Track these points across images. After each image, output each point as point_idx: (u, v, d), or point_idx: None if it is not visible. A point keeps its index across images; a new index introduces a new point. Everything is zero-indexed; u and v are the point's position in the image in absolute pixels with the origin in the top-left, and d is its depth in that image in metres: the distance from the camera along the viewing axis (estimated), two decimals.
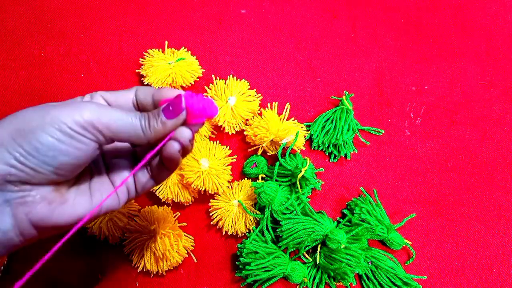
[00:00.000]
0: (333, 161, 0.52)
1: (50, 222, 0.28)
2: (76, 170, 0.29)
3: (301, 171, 0.45)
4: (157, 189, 0.48)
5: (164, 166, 0.33)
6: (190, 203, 0.49)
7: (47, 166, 0.27)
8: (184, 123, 0.31)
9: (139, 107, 0.33)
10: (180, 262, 0.47)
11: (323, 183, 0.51)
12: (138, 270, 0.46)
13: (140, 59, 0.54)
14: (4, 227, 0.27)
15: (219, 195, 0.49)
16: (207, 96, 0.30)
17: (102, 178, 0.33)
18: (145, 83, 0.52)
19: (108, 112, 0.28)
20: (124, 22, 0.58)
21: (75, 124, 0.27)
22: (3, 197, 0.27)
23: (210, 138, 0.52)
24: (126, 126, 0.29)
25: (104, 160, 0.34)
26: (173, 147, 0.31)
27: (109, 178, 0.34)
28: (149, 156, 0.30)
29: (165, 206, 0.49)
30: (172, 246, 0.45)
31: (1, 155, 0.25)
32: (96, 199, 0.32)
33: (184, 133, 0.31)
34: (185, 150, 0.32)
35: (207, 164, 0.47)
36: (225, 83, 0.51)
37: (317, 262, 0.46)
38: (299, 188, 0.47)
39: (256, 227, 0.47)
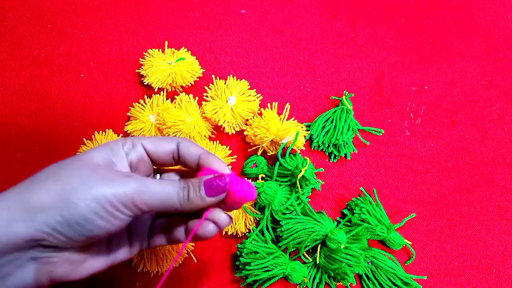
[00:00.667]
0: (333, 161, 0.52)
1: (67, 279, 0.29)
2: (106, 238, 0.31)
3: (301, 171, 0.45)
4: None
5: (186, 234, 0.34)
6: None
7: (82, 236, 0.27)
8: (222, 202, 0.31)
9: (179, 160, 0.33)
10: (180, 262, 0.47)
11: (323, 183, 0.51)
12: (138, 270, 0.46)
13: (140, 59, 0.54)
14: (25, 279, 0.28)
15: None
16: (249, 180, 0.31)
17: (122, 233, 0.34)
18: (145, 83, 0.52)
19: (150, 189, 0.28)
20: (124, 22, 0.58)
21: (118, 202, 0.27)
22: (31, 255, 0.27)
23: (210, 138, 0.52)
24: (163, 200, 0.29)
25: None
26: (210, 231, 0.32)
27: (128, 233, 0.34)
28: (196, 228, 0.31)
29: None
30: (172, 246, 0.45)
31: (40, 220, 0.26)
32: (111, 255, 0.33)
33: (224, 220, 0.32)
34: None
35: None
36: (225, 83, 0.51)
37: (317, 262, 0.46)
38: (299, 188, 0.47)
39: (256, 227, 0.47)
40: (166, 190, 0.29)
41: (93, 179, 0.27)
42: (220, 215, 0.32)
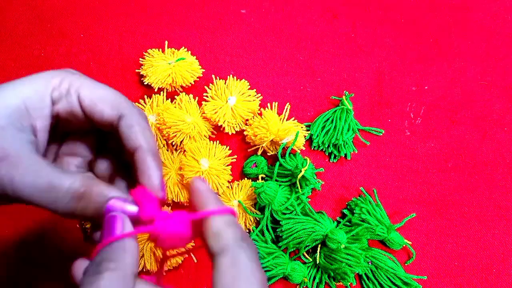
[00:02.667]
0: (333, 161, 0.52)
1: None
2: None
3: (301, 171, 0.45)
4: None
5: None
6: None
7: None
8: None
9: (117, 133, 0.27)
10: (180, 262, 0.47)
11: (323, 183, 0.51)
12: (138, 270, 0.46)
13: (140, 59, 0.54)
14: None
15: (219, 195, 0.49)
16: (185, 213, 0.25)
17: None
18: (145, 83, 0.51)
19: (15, 185, 0.23)
20: (124, 22, 0.58)
21: None
22: None
23: (210, 138, 0.52)
24: (40, 201, 0.23)
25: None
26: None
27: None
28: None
29: (165, 206, 0.49)
30: None
31: None
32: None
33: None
34: None
35: (207, 164, 0.47)
36: (225, 83, 0.51)
37: (317, 262, 0.46)
38: (299, 188, 0.47)
39: (256, 227, 0.47)
40: (42, 195, 0.23)
41: None
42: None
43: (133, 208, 0.24)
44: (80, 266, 0.24)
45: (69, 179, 0.23)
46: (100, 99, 0.27)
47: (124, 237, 0.22)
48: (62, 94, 0.26)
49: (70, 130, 0.28)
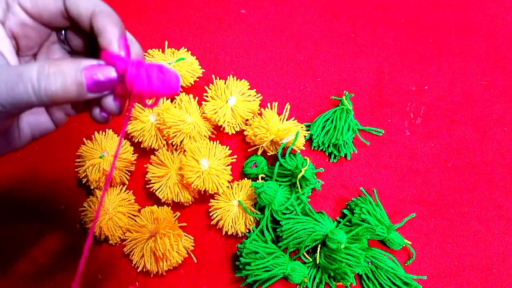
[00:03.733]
0: (333, 161, 0.52)
1: None
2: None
3: (301, 171, 0.45)
4: (157, 189, 0.48)
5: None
6: (190, 203, 0.49)
7: None
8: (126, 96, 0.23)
9: (69, 19, 0.26)
10: (180, 262, 0.47)
11: (323, 183, 0.51)
12: (138, 270, 0.46)
13: None
14: None
15: (219, 195, 0.49)
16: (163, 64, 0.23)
17: None
18: None
19: None
20: (124, 22, 0.58)
21: None
22: None
23: (210, 138, 0.52)
24: (16, 95, 0.21)
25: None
26: (99, 116, 0.25)
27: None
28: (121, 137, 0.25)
29: (165, 206, 0.49)
30: (172, 246, 0.45)
31: None
32: (24, 131, 0.27)
33: (111, 108, 0.24)
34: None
35: (207, 164, 0.47)
36: (225, 83, 0.51)
37: (317, 262, 0.46)
38: (299, 188, 0.47)
39: (256, 227, 0.47)
40: (16, 91, 0.21)
41: None
42: (106, 100, 0.24)
43: (111, 70, 0.22)
44: None
45: (35, 64, 0.22)
46: None
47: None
48: (4, 10, 0.25)
49: (34, 45, 0.27)
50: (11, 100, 0.21)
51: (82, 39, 0.28)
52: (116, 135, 0.52)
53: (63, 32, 0.28)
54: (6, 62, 0.23)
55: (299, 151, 0.50)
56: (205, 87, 0.52)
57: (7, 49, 0.25)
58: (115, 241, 0.48)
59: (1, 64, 0.22)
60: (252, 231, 0.48)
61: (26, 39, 0.26)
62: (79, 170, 0.48)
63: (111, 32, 0.24)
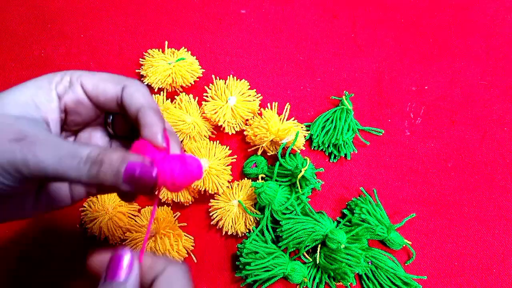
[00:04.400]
0: (333, 161, 0.52)
1: None
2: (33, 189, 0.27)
3: (301, 171, 0.45)
4: None
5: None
6: (190, 203, 0.49)
7: None
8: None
9: (122, 106, 0.28)
10: (180, 262, 0.47)
11: (323, 183, 0.51)
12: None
13: (140, 59, 0.54)
14: None
15: (219, 195, 0.49)
16: (188, 154, 0.27)
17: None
18: (145, 83, 0.51)
19: (39, 159, 0.23)
20: (124, 22, 0.58)
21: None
22: None
23: (210, 138, 0.52)
24: (58, 172, 0.24)
25: None
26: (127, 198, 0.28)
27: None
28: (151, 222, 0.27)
29: (165, 206, 0.49)
30: (172, 246, 0.45)
31: None
32: (42, 203, 0.29)
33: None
34: None
35: (207, 164, 0.47)
36: (225, 83, 0.51)
37: (317, 262, 0.46)
38: (299, 188, 0.47)
39: (256, 227, 0.47)
40: (62, 164, 0.23)
41: None
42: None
43: (152, 170, 0.24)
44: (96, 259, 0.26)
45: (88, 148, 0.24)
46: (101, 79, 0.28)
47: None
48: (66, 87, 0.27)
49: (80, 122, 0.30)
50: (54, 171, 0.23)
51: (126, 126, 0.30)
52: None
53: (111, 116, 0.30)
54: (55, 134, 0.26)
55: (299, 151, 0.50)
56: (205, 87, 0.52)
57: (55, 120, 0.27)
58: (115, 241, 0.48)
59: (53, 136, 0.25)
60: (252, 231, 0.48)
61: (76, 116, 0.28)
62: None
63: (157, 127, 0.26)
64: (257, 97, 0.52)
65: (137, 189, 0.24)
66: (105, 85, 0.28)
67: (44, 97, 0.26)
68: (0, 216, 0.27)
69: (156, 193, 0.26)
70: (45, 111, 0.26)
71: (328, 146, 0.51)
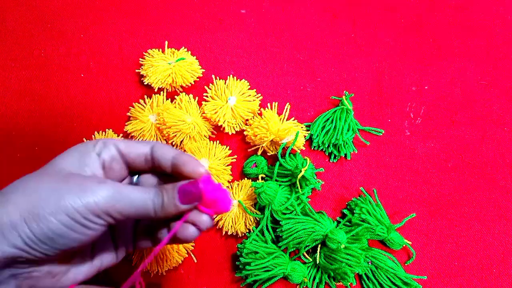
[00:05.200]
0: (333, 161, 0.52)
1: None
2: (83, 248, 0.30)
3: (301, 171, 0.45)
4: None
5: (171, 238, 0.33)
6: None
7: (56, 250, 0.26)
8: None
9: (153, 163, 0.33)
10: (180, 262, 0.47)
11: (323, 183, 0.51)
12: (138, 270, 0.46)
13: (140, 59, 0.54)
14: None
15: None
16: (223, 186, 0.32)
17: (105, 239, 0.33)
18: (145, 83, 0.52)
19: (124, 198, 0.28)
20: (124, 22, 0.58)
21: (90, 213, 0.26)
22: (10, 272, 0.26)
23: (210, 138, 0.52)
24: (138, 208, 0.28)
25: None
26: (191, 233, 0.31)
27: (112, 239, 0.34)
28: (174, 231, 0.31)
29: None
30: (172, 246, 0.45)
31: (12, 237, 0.25)
32: (96, 262, 0.32)
33: (204, 222, 0.31)
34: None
35: (207, 164, 0.47)
36: (225, 83, 0.51)
37: (317, 262, 0.46)
38: (299, 188, 0.47)
39: (256, 227, 0.47)
40: (141, 198, 0.28)
41: (63, 189, 0.26)
42: (200, 217, 0.31)
43: (196, 184, 0.30)
44: None
45: (151, 188, 0.30)
46: (131, 141, 0.33)
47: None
48: (101, 147, 0.31)
49: (117, 178, 0.34)
50: (136, 208, 0.28)
51: (150, 182, 0.35)
52: (116, 135, 0.51)
53: (136, 176, 0.35)
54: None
55: (299, 151, 0.50)
56: (205, 87, 0.52)
57: (99, 175, 0.31)
58: None
59: (122, 185, 0.29)
60: (252, 231, 0.48)
61: (111, 173, 0.32)
62: None
63: (196, 161, 0.31)
64: (257, 97, 0.52)
65: (190, 201, 0.29)
66: (136, 144, 0.33)
67: (89, 159, 0.30)
68: (66, 282, 0.30)
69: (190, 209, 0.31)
70: (92, 168, 0.30)
71: (328, 146, 0.51)
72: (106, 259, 0.33)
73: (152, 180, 0.34)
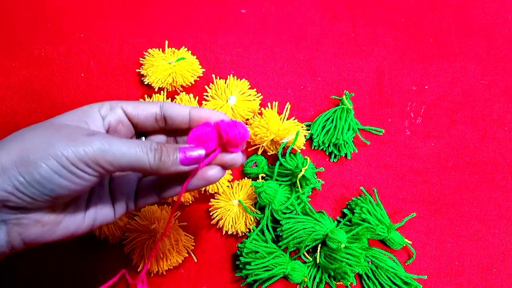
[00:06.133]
0: (333, 161, 0.52)
1: (40, 241, 0.29)
2: (74, 198, 0.30)
3: (301, 171, 0.45)
4: None
5: (174, 184, 0.33)
6: (190, 202, 0.49)
7: (45, 196, 0.27)
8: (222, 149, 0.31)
9: (166, 122, 0.33)
10: (180, 262, 0.47)
11: (324, 182, 0.51)
12: (138, 270, 0.46)
13: (140, 58, 0.54)
14: None
15: (219, 194, 0.49)
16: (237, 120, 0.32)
17: (102, 192, 0.33)
18: (145, 83, 0.52)
19: (114, 149, 0.27)
20: (124, 22, 0.58)
21: (79, 161, 0.26)
22: (0, 218, 0.27)
23: None
24: (131, 160, 0.28)
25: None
26: (216, 174, 0.31)
27: (110, 192, 0.33)
28: (186, 183, 0.31)
29: (165, 205, 0.49)
30: (172, 246, 0.45)
31: (2, 181, 0.25)
32: (90, 215, 0.32)
33: (232, 160, 0.31)
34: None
35: None
36: (225, 83, 0.52)
37: (317, 261, 0.46)
38: (299, 187, 0.47)
39: (256, 227, 0.47)
40: (133, 151, 0.28)
41: (55, 138, 0.27)
42: (224, 156, 0.31)
43: (199, 150, 0.30)
44: None
45: (148, 142, 0.29)
46: (140, 102, 0.33)
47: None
48: (107, 110, 0.32)
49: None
50: (128, 160, 0.28)
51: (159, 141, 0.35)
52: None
53: (143, 138, 0.35)
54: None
55: (299, 151, 0.50)
56: (206, 86, 0.52)
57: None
58: (115, 241, 0.48)
59: (114, 138, 0.28)
60: (252, 230, 0.47)
61: (116, 134, 0.32)
62: None
63: (210, 113, 0.32)
64: (257, 97, 0.52)
65: (191, 163, 0.29)
66: (144, 105, 0.32)
67: (91, 118, 0.30)
68: (56, 232, 0.29)
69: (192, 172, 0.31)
70: (94, 127, 0.30)
71: (329, 145, 0.51)
72: (101, 214, 0.32)
73: (161, 139, 0.35)
